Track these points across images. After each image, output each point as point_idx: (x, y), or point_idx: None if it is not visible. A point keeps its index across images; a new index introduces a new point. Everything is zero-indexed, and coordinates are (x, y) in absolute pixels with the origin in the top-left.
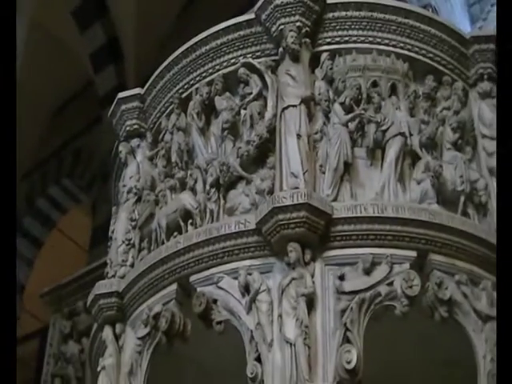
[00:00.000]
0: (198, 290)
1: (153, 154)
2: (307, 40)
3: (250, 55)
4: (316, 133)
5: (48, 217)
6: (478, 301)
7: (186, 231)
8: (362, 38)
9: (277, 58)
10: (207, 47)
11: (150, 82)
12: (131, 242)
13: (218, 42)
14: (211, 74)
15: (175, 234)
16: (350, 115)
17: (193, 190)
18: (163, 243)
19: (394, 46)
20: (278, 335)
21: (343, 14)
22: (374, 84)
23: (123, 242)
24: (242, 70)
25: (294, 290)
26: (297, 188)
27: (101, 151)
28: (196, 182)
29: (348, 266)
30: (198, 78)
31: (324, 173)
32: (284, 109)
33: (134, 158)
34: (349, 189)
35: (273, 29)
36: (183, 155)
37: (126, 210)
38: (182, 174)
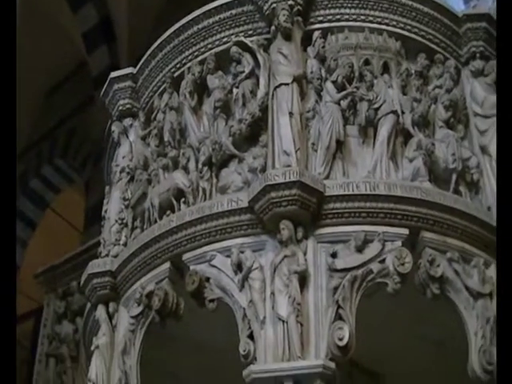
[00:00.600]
0: (191, 268)
1: (145, 134)
2: (299, 18)
3: (242, 34)
4: (308, 111)
5: (41, 197)
6: (469, 278)
7: (179, 210)
8: (354, 17)
9: (269, 36)
10: (199, 26)
11: (142, 61)
12: (124, 221)
13: (210, 20)
14: (203, 52)
15: (168, 212)
16: (342, 93)
17: (185, 169)
18: (156, 222)
19: (386, 24)
20: (271, 312)
21: None
22: (367, 62)
23: (116, 221)
24: (234, 49)
25: (286, 267)
26: (289, 166)
27: (94, 131)
28: (188, 160)
29: (340, 244)
30: (190, 57)
31: (316, 151)
32: (276, 87)
33: (127, 137)
34: (341, 167)
35: (265, 7)
36: (176, 134)
37: (119, 190)
38: (174, 153)
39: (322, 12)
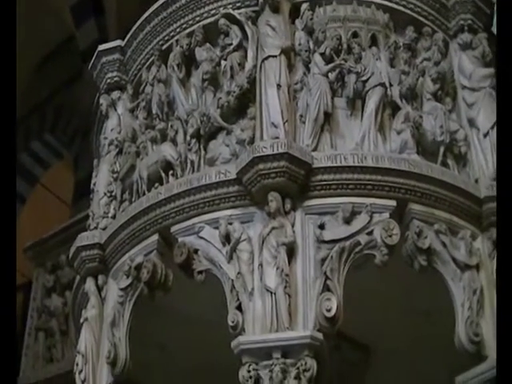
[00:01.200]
0: (179, 240)
1: (133, 106)
2: None
3: (230, 6)
4: (296, 83)
5: (31, 172)
6: (456, 250)
7: (167, 182)
8: None
9: (257, 8)
10: None
11: (130, 34)
12: (113, 193)
13: None
14: (191, 25)
15: (156, 185)
16: (330, 65)
17: (173, 141)
18: (144, 194)
19: None
20: (259, 284)
21: None
22: (355, 35)
23: (105, 194)
24: (222, 21)
25: (274, 239)
26: (277, 138)
27: (83, 106)
28: (177, 133)
29: (328, 215)
30: (178, 30)
31: (304, 123)
32: (264, 59)
33: (115, 110)
34: (329, 139)
35: None
36: (164, 107)
37: (108, 163)
38: (162, 126)
39: None
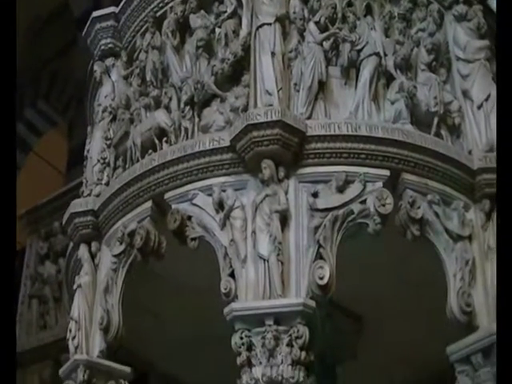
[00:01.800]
0: (173, 206)
1: (128, 73)
2: None
3: None
4: (291, 51)
5: (24, 141)
6: (449, 221)
7: (161, 149)
8: None
9: None
10: None
11: (124, 0)
12: (106, 160)
13: None
14: None
15: (150, 151)
16: (325, 34)
17: (167, 108)
18: (138, 161)
19: None
20: (252, 251)
21: None
22: (349, 3)
23: (98, 160)
24: None
25: (267, 206)
26: (271, 105)
27: (77, 73)
28: (171, 100)
29: (321, 184)
30: None
31: (298, 91)
32: (259, 27)
33: (109, 77)
34: (323, 107)
35: None
36: (158, 74)
37: (101, 129)
38: (156, 93)
39: None
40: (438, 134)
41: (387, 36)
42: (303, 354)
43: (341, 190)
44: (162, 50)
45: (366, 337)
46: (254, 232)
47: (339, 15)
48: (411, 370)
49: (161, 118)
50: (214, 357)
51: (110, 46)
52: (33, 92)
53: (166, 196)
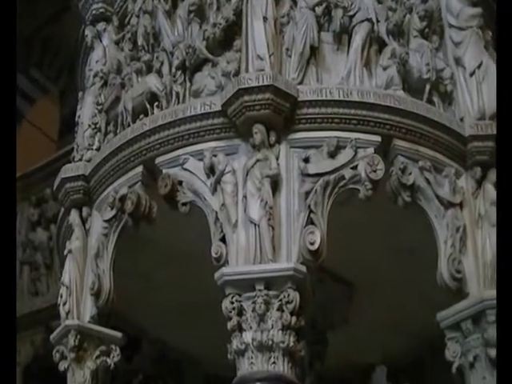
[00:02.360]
0: (164, 171)
1: (119, 38)
2: None
3: None
4: (283, 16)
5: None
6: (440, 187)
7: (152, 113)
8: None
9: None
10: None
11: None
12: (97, 125)
13: None
14: None
15: (141, 116)
16: None
17: (159, 73)
18: (129, 126)
19: None
20: (243, 216)
21: None
22: None
23: (89, 126)
24: None
25: (258, 171)
26: (262, 70)
27: (69, 40)
28: (162, 64)
29: (313, 149)
30: None
31: (290, 56)
32: None
33: (100, 41)
34: (315, 73)
35: None
36: (149, 38)
37: (92, 94)
38: (148, 57)
39: None
40: (430, 101)
41: (380, 2)
42: (294, 318)
43: (332, 155)
44: (154, 14)
45: (357, 303)
46: (244, 197)
47: None
48: (402, 336)
49: (152, 82)
50: (205, 322)
51: (101, 10)
52: (25, 59)
53: (157, 161)
